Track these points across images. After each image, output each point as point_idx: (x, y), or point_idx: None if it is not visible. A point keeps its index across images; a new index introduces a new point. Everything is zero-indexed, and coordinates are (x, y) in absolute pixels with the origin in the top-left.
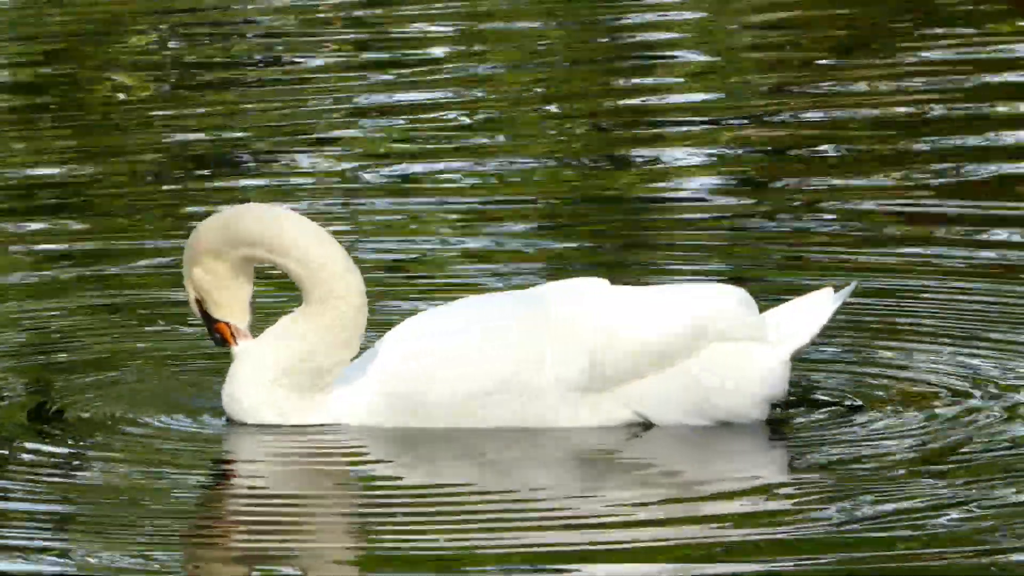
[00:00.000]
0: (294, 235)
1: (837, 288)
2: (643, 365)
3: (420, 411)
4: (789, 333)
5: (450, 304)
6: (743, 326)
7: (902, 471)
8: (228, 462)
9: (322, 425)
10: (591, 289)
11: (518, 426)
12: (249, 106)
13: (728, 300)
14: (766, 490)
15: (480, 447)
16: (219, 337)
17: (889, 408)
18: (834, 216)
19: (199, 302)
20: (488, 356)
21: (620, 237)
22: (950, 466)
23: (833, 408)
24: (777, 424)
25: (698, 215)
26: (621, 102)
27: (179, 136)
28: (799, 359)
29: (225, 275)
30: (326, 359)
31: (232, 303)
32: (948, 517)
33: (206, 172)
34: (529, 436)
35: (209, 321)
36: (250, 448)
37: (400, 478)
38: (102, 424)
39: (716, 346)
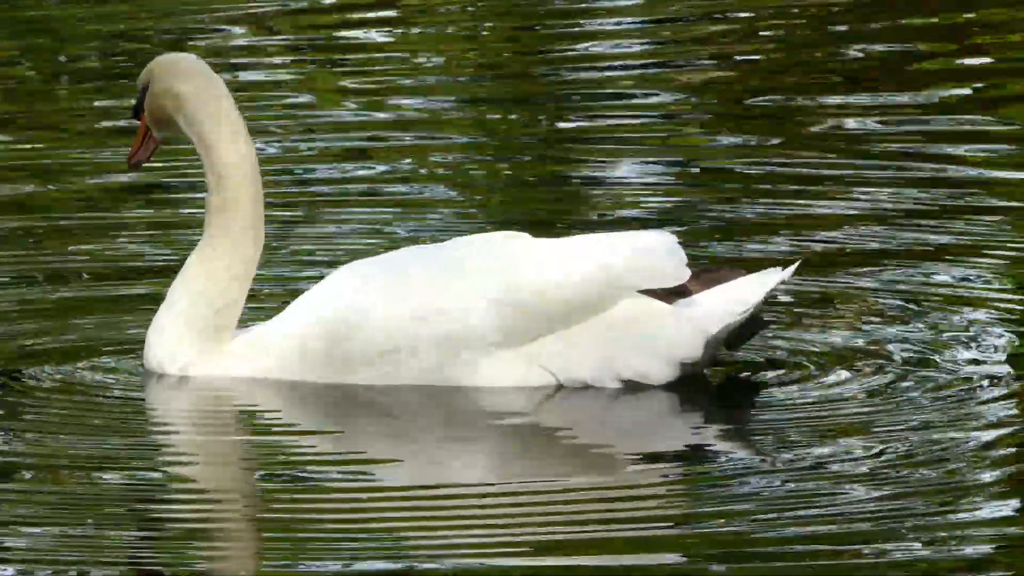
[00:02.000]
0: (217, 106)
1: (784, 267)
2: (551, 318)
3: (333, 366)
4: (721, 307)
5: (368, 259)
6: (660, 277)
7: (805, 440)
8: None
9: (227, 378)
10: (508, 241)
11: (431, 383)
12: None
13: (647, 248)
14: (661, 458)
15: (386, 407)
16: (136, 113)
17: (808, 375)
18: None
19: (143, 96)
20: (400, 309)
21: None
22: (862, 437)
23: (751, 373)
24: (690, 388)
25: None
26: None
27: None
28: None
29: (154, 115)
30: (222, 294)
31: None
32: (853, 489)
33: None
34: (439, 395)
35: (138, 111)
36: (152, 403)
37: (300, 440)
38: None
39: (630, 303)
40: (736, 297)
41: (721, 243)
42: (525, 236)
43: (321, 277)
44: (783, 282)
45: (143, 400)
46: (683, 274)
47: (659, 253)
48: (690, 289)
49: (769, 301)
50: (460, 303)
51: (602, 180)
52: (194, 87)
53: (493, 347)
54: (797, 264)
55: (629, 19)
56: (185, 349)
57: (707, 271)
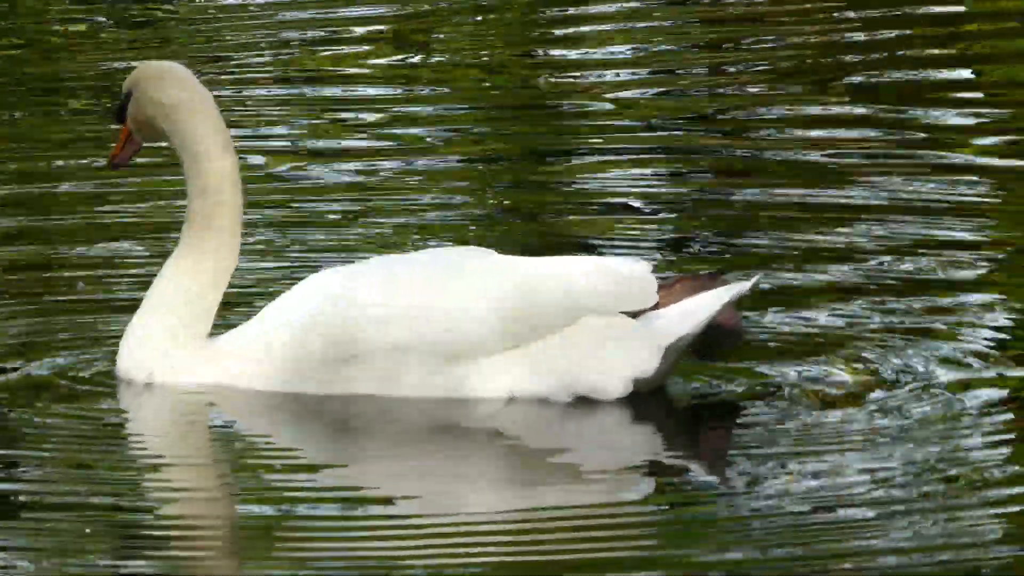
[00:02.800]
0: (204, 117)
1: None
2: (504, 334)
3: (323, 370)
4: (677, 322)
5: (338, 268)
6: (618, 301)
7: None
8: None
9: (204, 386)
10: (470, 256)
11: (387, 395)
12: None
13: (614, 273)
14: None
15: (340, 417)
16: (119, 118)
17: (769, 398)
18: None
19: (125, 99)
20: (357, 321)
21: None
22: (817, 446)
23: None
24: (643, 405)
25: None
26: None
27: None
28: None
29: (138, 121)
30: (198, 301)
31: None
32: (801, 496)
33: None
34: (391, 406)
35: (121, 116)
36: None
37: (271, 453)
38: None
39: (587, 320)
40: (690, 311)
41: (716, 240)
42: (490, 252)
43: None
44: (743, 294)
45: (116, 408)
46: (649, 300)
47: (627, 279)
48: (661, 302)
49: (750, 309)
50: (420, 318)
51: (599, 195)
52: (182, 97)
53: (452, 360)
54: (756, 279)
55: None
56: (160, 357)
57: (686, 280)
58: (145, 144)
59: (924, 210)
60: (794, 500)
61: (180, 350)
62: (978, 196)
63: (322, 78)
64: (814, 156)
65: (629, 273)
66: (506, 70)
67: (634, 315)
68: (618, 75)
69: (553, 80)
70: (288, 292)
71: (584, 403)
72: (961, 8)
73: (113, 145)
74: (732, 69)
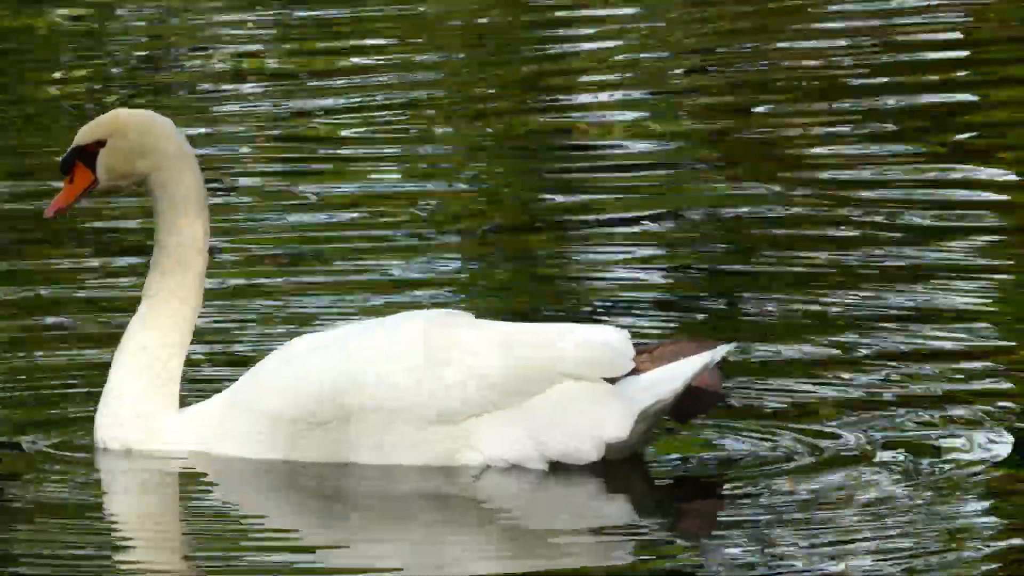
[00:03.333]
0: (191, 173)
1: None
2: (480, 399)
3: (271, 441)
4: (650, 388)
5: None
6: (595, 368)
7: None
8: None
9: (184, 454)
10: (450, 321)
11: (365, 462)
12: None
13: (591, 341)
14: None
15: (317, 485)
16: (64, 169)
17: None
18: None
19: (89, 147)
20: (335, 385)
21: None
22: (794, 512)
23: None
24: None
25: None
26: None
27: None
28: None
29: (116, 171)
30: (166, 364)
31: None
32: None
33: None
34: (369, 473)
35: (77, 157)
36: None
37: (243, 520)
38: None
39: (563, 386)
40: (667, 377)
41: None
42: (468, 316)
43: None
44: (717, 361)
45: (93, 478)
46: (626, 367)
47: (603, 345)
48: (640, 368)
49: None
50: (395, 382)
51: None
52: (170, 149)
53: (425, 425)
54: (731, 347)
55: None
56: (136, 425)
57: (668, 346)
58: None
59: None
60: (773, 568)
61: (156, 418)
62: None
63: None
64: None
65: (605, 340)
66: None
67: (612, 381)
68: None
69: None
70: (265, 360)
71: (561, 469)
72: None
73: (57, 191)
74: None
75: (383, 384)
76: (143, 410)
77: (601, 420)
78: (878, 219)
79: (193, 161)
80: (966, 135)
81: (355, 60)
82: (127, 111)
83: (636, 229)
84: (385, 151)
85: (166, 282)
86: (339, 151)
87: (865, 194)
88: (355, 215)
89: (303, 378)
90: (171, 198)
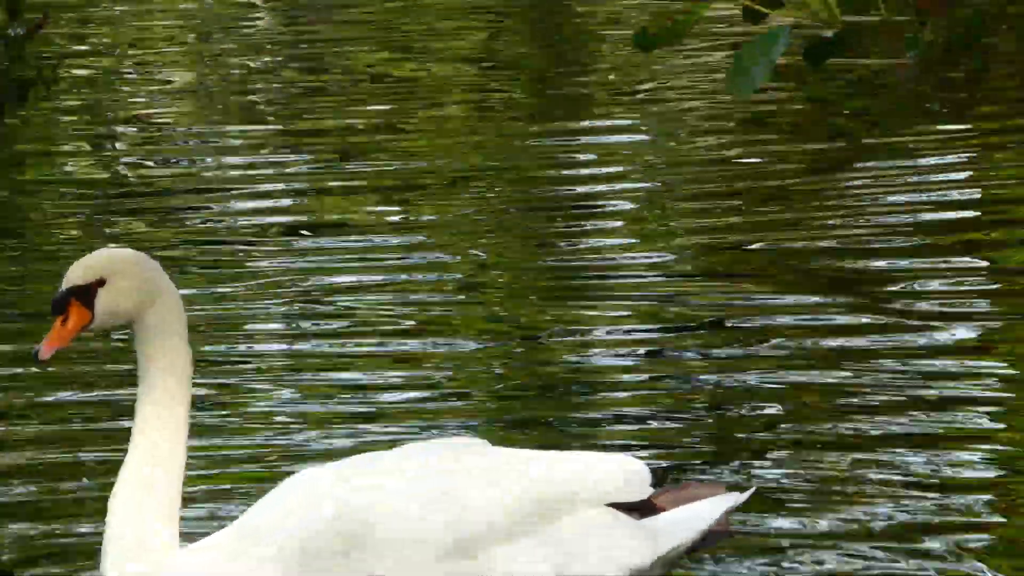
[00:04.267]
0: (177, 306)
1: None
2: (497, 530)
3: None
4: (675, 526)
5: (338, 464)
6: (621, 494)
7: None
8: None
9: None
10: (468, 450)
11: None
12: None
13: (609, 468)
14: None
15: None
16: (58, 308)
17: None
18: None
19: (86, 287)
20: (345, 519)
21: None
22: None
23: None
24: None
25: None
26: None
27: None
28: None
29: (116, 310)
30: (167, 486)
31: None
32: None
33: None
34: None
35: (75, 296)
36: None
37: None
38: None
39: (584, 515)
40: (690, 518)
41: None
42: (483, 444)
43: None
44: (739, 505)
45: None
46: (644, 492)
47: (620, 473)
48: (659, 506)
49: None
50: (411, 514)
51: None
52: (165, 288)
53: (444, 560)
54: (751, 492)
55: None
56: (141, 562)
57: (678, 490)
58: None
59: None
60: None
61: (161, 554)
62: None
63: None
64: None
65: (626, 467)
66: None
67: (629, 510)
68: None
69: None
70: (270, 494)
71: None
72: None
73: (47, 335)
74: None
75: (397, 515)
76: (148, 547)
77: (627, 551)
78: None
79: (179, 297)
80: None
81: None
82: (118, 250)
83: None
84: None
85: (159, 414)
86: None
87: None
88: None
89: (314, 510)
90: (163, 334)
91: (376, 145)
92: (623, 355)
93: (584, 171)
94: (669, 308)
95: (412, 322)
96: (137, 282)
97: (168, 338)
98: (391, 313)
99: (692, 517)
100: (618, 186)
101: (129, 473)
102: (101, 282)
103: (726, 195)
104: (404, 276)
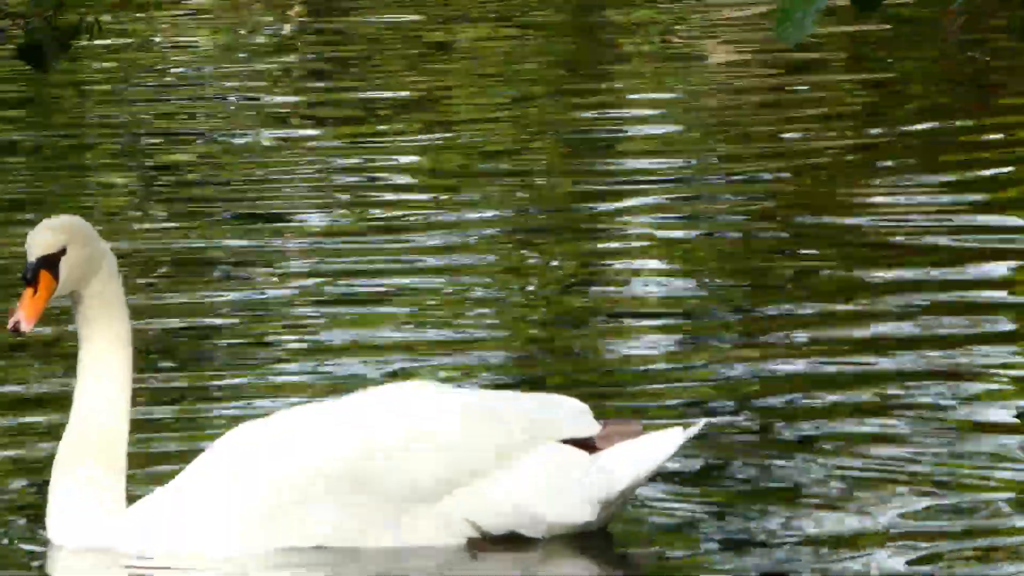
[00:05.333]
0: (115, 272)
1: (686, 427)
2: (458, 471)
3: (238, 533)
4: (624, 466)
5: (275, 415)
6: (571, 428)
7: None
8: None
9: (137, 552)
10: (414, 391)
11: (342, 544)
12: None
13: (556, 403)
14: None
15: (307, 571)
16: (31, 277)
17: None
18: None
19: (53, 255)
20: (311, 466)
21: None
22: None
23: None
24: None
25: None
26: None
27: None
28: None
29: (73, 278)
30: (113, 442)
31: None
32: None
33: None
34: (351, 557)
35: (43, 267)
36: None
37: None
38: None
39: (545, 450)
40: (644, 454)
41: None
42: (431, 384)
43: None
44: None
45: None
46: (593, 428)
47: (567, 408)
48: (599, 446)
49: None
50: (371, 461)
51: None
52: (106, 254)
53: (405, 504)
54: (703, 423)
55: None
56: (90, 522)
57: (613, 425)
58: None
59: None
60: None
61: (108, 515)
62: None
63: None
64: None
65: (574, 405)
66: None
67: (580, 446)
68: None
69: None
70: (207, 454)
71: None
72: None
73: (19, 307)
74: None
75: (355, 462)
76: (92, 510)
77: (592, 485)
78: None
79: (116, 263)
80: None
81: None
82: (69, 218)
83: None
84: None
85: (102, 378)
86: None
87: None
88: None
89: (277, 465)
90: (106, 301)
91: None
92: (656, 328)
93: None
94: (709, 280)
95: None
96: (89, 250)
97: (110, 305)
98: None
99: (658, 445)
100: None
101: (72, 435)
102: (63, 251)
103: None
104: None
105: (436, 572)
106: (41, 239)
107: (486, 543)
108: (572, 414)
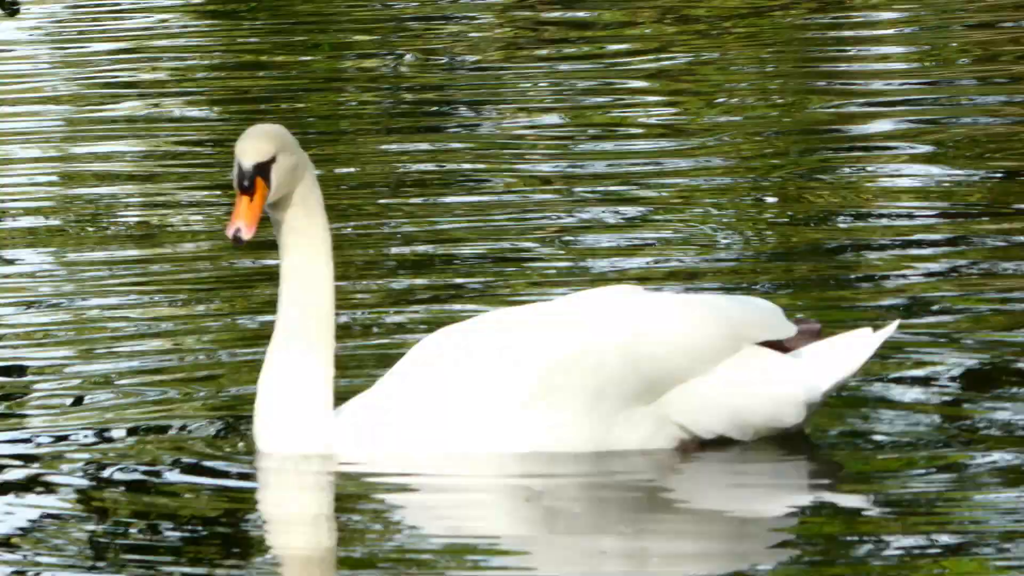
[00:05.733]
0: (315, 181)
1: (876, 328)
2: (677, 370)
3: (451, 438)
4: (827, 367)
5: (474, 320)
6: (773, 330)
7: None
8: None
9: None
10: (622, 295)
11: (555, 451)
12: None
13: (757, 304)
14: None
15: (513, 476)
16: (248, 185)
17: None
18: None
19: (266, 163)
20: (521, 375)
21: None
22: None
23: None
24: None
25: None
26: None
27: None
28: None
29: (282, 186)
30: (321, 351)
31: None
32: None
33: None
34: (568, 463)
35: (259, 174)
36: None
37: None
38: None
39: (751, 352)
40: (846, 355)
41: None
42: (638, 288)
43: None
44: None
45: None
46: (789, 330)
47: (768, 309)
48: (789, 347)
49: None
50: (587, 365)
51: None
52: (308, 163)
53: (616, 407)
54: (895, 325)
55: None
56: (299, 422)
57: (803, 324)
58: None
59: None
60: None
61: (319, 417)
62: None
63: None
64: None
65: (765, 305)
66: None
67: (775, 347)
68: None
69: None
70: (414, 355)
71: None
72: None
73: (232, 215)
74: None
75: (573, 363)
76: (303, 411)
77: (799, 387)
78: None
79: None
80: None
81: None
82: (273, 126)
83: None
84: None
85: (305, 286)
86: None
87: None
88: None
89: (491, 367)
90: (308, 209)
91: None
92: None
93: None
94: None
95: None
96: (296, 157)
97: (312, 212)
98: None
99: (848, 350)
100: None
101: (278, 340)
102: (274, 158)
103: None
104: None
105: (645, 476)
106: (254, 147)
107: (693, 446)
108: (769, 315)
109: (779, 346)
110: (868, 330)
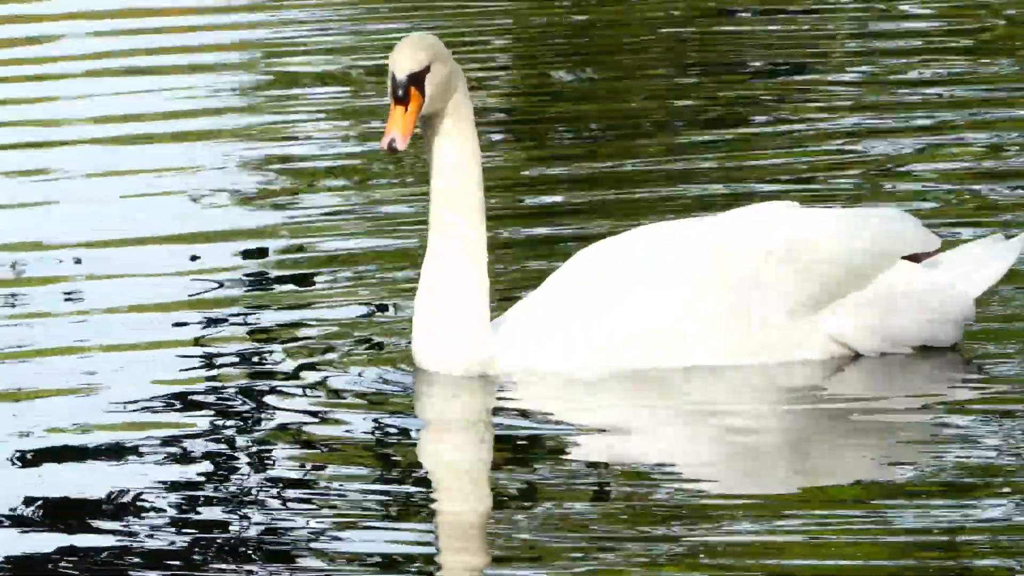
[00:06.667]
0: (468, 94)
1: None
2: (838, 283)
3: (614, 352)
4: (974, 273)
5: (628, 234)
6: (926, 244)
7: None
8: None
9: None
10: (778, 210)
11: (717, 364)
12: None
13: (902, 217)
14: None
15: (680, 392)
16: (402, 95)
17: None
18: None
19: (420, 73)
20: (681, 290)
21: None
22: None
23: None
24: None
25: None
26: None
27: None
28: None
29: (436, 98)
30: (475, 274)
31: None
32: None
33: None
34: (730, 376)
35: (413, 84)
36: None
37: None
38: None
39: (900, 269)
40: (986, 259)
41: None
42: (793, 204)
43: None
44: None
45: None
46: (935, 243)
47: (911, 223)
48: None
49: None
50: (746, 280)
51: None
52: (461, 74)
53: (783, 319)
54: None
55: None
56: (457, 339)
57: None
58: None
59: None
60: None
61: (477, 334)
62: None
63: None
64: None
65: (910, 219)
66: None
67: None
68: None
69: None
70: (567, 270)
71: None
72: None
73: (386, 126)
74: None
75: (733, 276)
76: (460, 328)
77: (953, 304)
78: None
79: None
80: None
81: None
82: (423, 35)
83: None
84: None
85: (455, 201)
86: None
87: None
88: None
89: (648, 282)
90: (460, 121)
91: None
92: None
93: None
94: None
95: None
96: (450, 68)
97: (463, 123)
98: None
99: (998, 255)
100: None
101: (433, 256)
102: (427, 68)
103: None
104: None
105: (799, 392)
106: (409, 56)
107: (848, 361)
108: (916, 228)
109: (915, 258)
110: (999, 235)
